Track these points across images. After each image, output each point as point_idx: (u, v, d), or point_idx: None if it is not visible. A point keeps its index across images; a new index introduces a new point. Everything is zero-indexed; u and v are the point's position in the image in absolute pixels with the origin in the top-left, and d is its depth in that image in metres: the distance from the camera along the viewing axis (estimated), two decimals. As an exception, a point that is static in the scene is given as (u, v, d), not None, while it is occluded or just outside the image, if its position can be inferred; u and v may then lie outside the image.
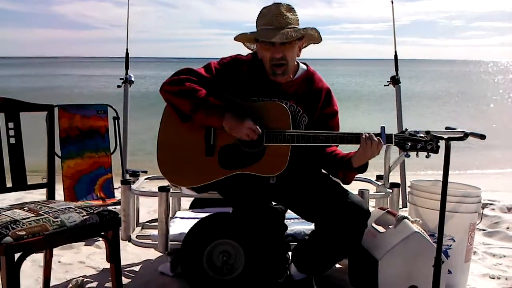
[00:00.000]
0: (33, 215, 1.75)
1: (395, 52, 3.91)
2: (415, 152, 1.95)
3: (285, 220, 2.05)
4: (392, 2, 3.92)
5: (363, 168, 2.03)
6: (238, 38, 2.14)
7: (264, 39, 2.02)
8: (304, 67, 2.20)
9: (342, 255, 2.15)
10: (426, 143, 1.92)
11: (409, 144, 1.94)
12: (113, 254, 1.92)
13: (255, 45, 2.16)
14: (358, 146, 1.97)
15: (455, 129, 2.20)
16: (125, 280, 2.38)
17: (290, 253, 2.27)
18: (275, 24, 2.00)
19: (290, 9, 2.05)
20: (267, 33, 2.00)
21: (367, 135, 1.94)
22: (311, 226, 2.16)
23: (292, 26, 2.02)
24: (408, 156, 1.96)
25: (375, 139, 1.92)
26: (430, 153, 1.93)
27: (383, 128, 1.96)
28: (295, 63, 2.15)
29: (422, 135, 1.95)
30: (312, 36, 2.12)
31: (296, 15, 2.06)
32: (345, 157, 2.06)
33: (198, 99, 2.01)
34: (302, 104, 2.13)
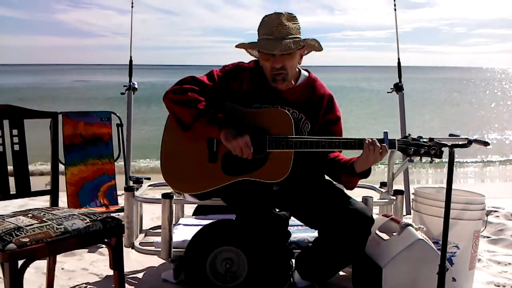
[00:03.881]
0: (37, 222, 1.75)
1: (398, 59, 3.91)
2: (419, 157, 1.94)
3: (289, 227, 2.05)
4: (395, 10, 3.93)
5: (366, 173, 2.03)
6: (239, 46, 2.15)
7: (263, 50, 2.02)
8: (306, 74, 2.20)
9: (345, 262, 2.14)
10: (430, 148, 1.92)
11: (412, 149, 1.94)
12: (116, 261, 1.92)
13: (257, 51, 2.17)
14: (361, 151, 1.97)
15: (458, 136, 2.19)
16: (128, 287, 2.37)
17: (293, 260, 2.27)
18: (275, 34, 2.00)
19: (292, 17, 2.04)
20: (266, 44, 2.00)
21: (370, 140, 1.94)
22: (315, 233, 2.16)
23: (293, 36, 2.01)
24: (411, 161, 1.96)
25: (378, 144, 1.92)
26: (433, 158, 1.93)
27: (386, 133, 1.96)
28: (297, 70, 2.16)
29: (425, 140, 1.95)
30: (313, 46, 2.12)
31: (298, 23, 2.06)
32: (348, 162, 2.06)
33: (199, 109, 2.01)
34: (304, 111, 2.14)
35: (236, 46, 2.15)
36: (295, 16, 2.06)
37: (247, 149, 1.94)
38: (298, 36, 2.04)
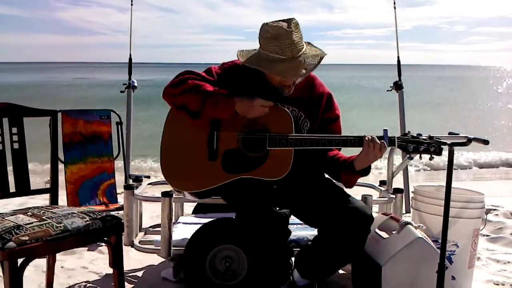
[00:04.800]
0: (36, 220, 1.75)
1: (398, 57, 3.91)
2: (418, 155, 1.95)
3: (288, 226, 2.05)
4: (395, 8, 3.92)
5: (366, 171, 2.03)
6: (249, 63, 2.02)
7: (283, 77, 1.99)
8: (305, 72, 2.20)
9: (345, 260, 2.15)
10: (429, 145, 1.92)
11: (412, 146, 1.94)
12: (115, 260, 1.92)
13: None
14: (360, 149, 1.97)
15: (458, 134, 2.19)
16: (127, 286, 2.37)
17: (293, 258, 2.27)
18: (287, 54, 1.94)
19: (295, 26, 1.97)
20: (284, 69, 1.95)
21: (370, 137, 1.94)
22: (314, 232, 2.16)
23: (303, 51, 1.97)
24: (411, 158, 1.96)
25: (378, 141, 1.92)
26: (433, 155, 1.93)
27: (385, 131, 1.96)
28: None
29: (424, 137, 1.95)
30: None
31: (300, 30, 1.99)
32: (347, 160, 2.06)
33: (204, 92, 1.99)
34: (304, 109, 2.14)
35: (245, 63, 2.03)
36: (296, 22, 1.98)
37: (267, 108, 1.99)
38: (304, 45, 2.00)
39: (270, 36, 1.96)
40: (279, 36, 1.94)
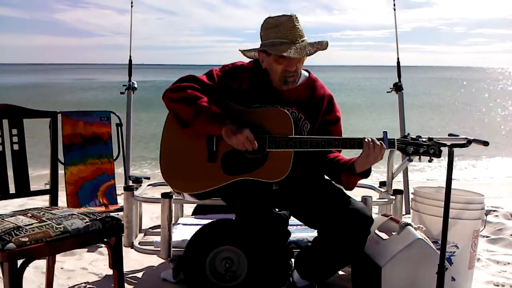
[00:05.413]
0: (36, 221, 1.75)
1: (398, 59, 3.91)
2: (418, 157, 1.95)
3: (288, 227, 2.05)
4: (395, 9, 3.93)
5: (366, 173, 2.03)
6: (244, 52, 2.12)
7: (283, 54, 1.98)
8: (306, 74, 2.20)
9: (345, 262, 2.15)
10: (429, 147, 1.92)
11: (412, 148, 1.94)
12: (115, 261, 1.92)
13: (254, 52, 2.16)
14: (360, 151, 1.97)
15: (458, 135, 2.20)
16: (127, 287, 2.37)
17: (293, 260, 2.27)
18: (290, 38, 1.99)
19: (297, 18, 2.04)
20: (283, 48, 1.98)
21: (370, 139, 1.94)
22: (314, 233, 2.16)
23: (304, 38, 2.02)
24: (410, 160, 1.96)
25: (378, 143, 1.92)
26: (432, 157, 1.93)
27: (385, 133, 1.96)
28: None
29: (424, 139, 1.95)
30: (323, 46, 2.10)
31: (300, 25, 2.05)
32: (347, 162, 2.06)
33: (199, 106, 2.01)
34: (304, 110, 2.14)
35: (241, 51, 2.12)
36: (296, 16, 2.05)
37: (249, 143, 1.95)
38: (306, 38, 2.04)
39: (271, 26, 2.03)
40: (280, 24, 2.01)
